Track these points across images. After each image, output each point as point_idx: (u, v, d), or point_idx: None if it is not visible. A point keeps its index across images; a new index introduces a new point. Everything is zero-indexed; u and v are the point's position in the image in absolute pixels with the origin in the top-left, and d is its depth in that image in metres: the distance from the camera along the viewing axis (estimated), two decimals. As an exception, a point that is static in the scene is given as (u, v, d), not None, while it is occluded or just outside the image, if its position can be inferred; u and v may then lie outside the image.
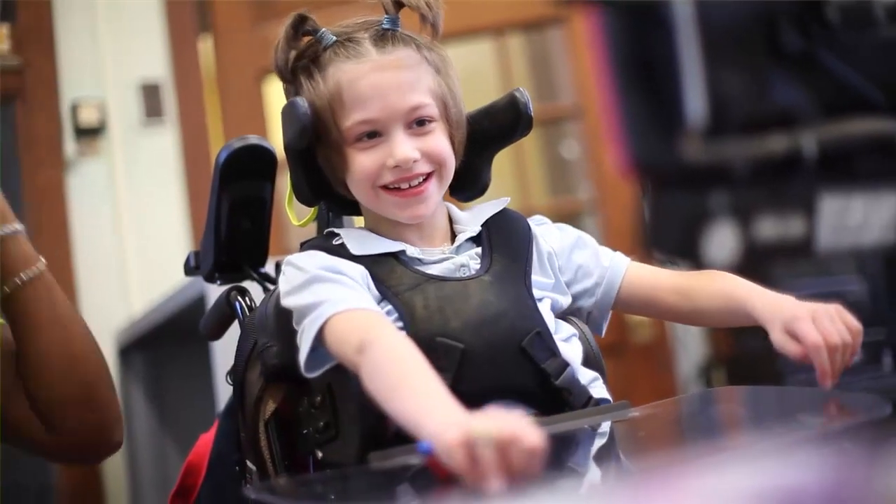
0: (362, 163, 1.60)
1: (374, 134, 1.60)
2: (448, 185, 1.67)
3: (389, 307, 1.56)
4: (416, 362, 1.38)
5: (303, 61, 1.67)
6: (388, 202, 1.62)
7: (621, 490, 1.21)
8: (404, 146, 1.59)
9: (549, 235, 1.73)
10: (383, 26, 1.65)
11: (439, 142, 1.63)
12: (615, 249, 1.80)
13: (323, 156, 1.65)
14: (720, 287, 1.68)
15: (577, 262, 1.73)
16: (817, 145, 0.95)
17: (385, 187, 1.61)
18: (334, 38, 1.65)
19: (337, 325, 1.49)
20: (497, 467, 1.13)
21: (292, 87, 1.69)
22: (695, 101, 0.88)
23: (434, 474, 1.22)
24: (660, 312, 1.78)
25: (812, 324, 1.50)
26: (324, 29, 1.66)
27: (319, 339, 1.50)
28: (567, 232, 1.77)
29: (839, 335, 1.49)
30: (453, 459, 1.16)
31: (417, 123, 1.61)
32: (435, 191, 1.63)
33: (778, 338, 1.53)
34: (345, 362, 1.47)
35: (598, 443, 1.55)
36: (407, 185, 1.61)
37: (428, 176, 1.62)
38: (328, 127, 1.62)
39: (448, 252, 1.65)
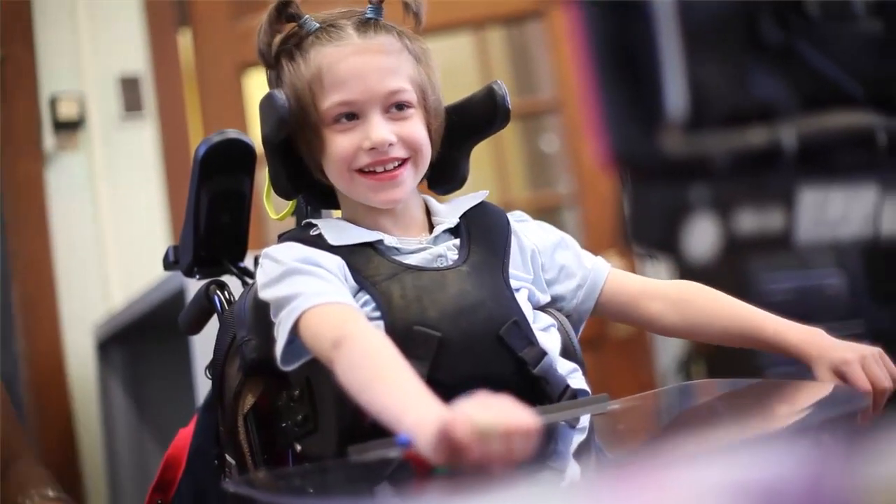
0: (339, 144, 1.61)
1: (352, 116, 1.62)
2: (423, 173, 1.68)
3: (367, 297, 1.57)
4: (391, 357, 1.39)
5: (286, 46, 1.68)
6: (363, 185, 1.63)
7: (601, 484, 1.21)
8: (381, 128, 1.60)
9: (531, 233, 1.74)
10: (366, 15, 1.67)
11: (416, 128, 1.63)
12: (595, 242, 1.81)
13: (301, 139, 1.65)
14: (728, 308, 1.71)
15: (560, 262, 1.74)
16: (797, 138, 0.95)
17: (360, 171, 1.62)
18: (317, 24, 1.66)
19: (312, 318, 1.49)
20: (500, 457, 1.14)
21: (274, 71, 1.69)
22: (675, 95, 0.88)
23: (412, 466, 1.23)
24: (640, 319, 1.77)
25: (862, 370, 1.54)
26: (307, 15, 1.67)
27: (295, 332, 1.51)
28: (549, 231, 1.77)
29: (886, 381, 1.54)
30: (435, 452, 1.17)
31: (396, 108, 1.62)
32: (409, 177, 1.64)
33: (825, 376, 1.57)
34: (320, 357, 1.48)
35: (578, 436, 1.55)
36: (382, 169, 1.62)
37: (403, 162, 1.63)
38: (307, 109, 1.63)
39: (426, 242, 1.65)
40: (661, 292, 1.75)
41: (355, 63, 1.62)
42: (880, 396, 1.53)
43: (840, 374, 1.55)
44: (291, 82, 1.65)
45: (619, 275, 1.77)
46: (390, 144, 1.61)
